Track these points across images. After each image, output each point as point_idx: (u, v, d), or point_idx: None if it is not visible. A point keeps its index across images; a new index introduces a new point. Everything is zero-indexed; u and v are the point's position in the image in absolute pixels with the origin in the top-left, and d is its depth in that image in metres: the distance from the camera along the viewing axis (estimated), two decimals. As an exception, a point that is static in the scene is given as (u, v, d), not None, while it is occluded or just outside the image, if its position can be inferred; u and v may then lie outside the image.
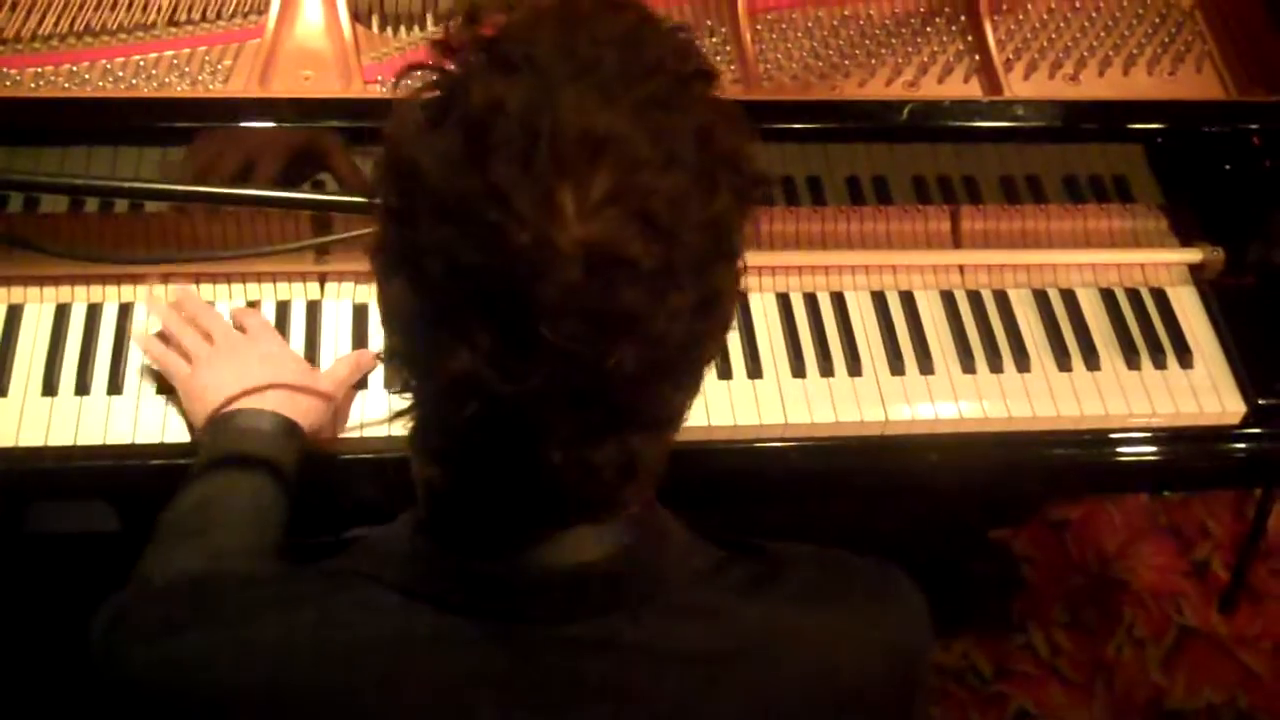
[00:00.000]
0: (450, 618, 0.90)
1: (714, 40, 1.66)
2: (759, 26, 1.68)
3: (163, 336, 1.47)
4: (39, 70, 1.55)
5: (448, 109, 0.82)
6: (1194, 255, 1.69)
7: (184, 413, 1.43)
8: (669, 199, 0.79)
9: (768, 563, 0.99)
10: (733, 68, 1.64)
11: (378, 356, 1.49)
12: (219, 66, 1.56)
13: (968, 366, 1.61)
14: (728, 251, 0.85)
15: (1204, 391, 1.62)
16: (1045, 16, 1.73)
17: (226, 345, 1.43)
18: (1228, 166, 1.67)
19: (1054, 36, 1.71)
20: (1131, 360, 1.62)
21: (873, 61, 1.66)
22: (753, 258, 1.56)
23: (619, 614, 0.91)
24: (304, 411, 1.38)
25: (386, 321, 0.88)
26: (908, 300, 1.66)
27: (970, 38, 1.69)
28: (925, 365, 1.60)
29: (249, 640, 0.93)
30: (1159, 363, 1.63)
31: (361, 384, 1.50)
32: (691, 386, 0.89)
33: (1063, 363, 1.62)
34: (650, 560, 0.94)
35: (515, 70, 0.81)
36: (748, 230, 0.87)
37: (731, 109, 0.87)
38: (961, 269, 1.68)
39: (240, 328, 1.47)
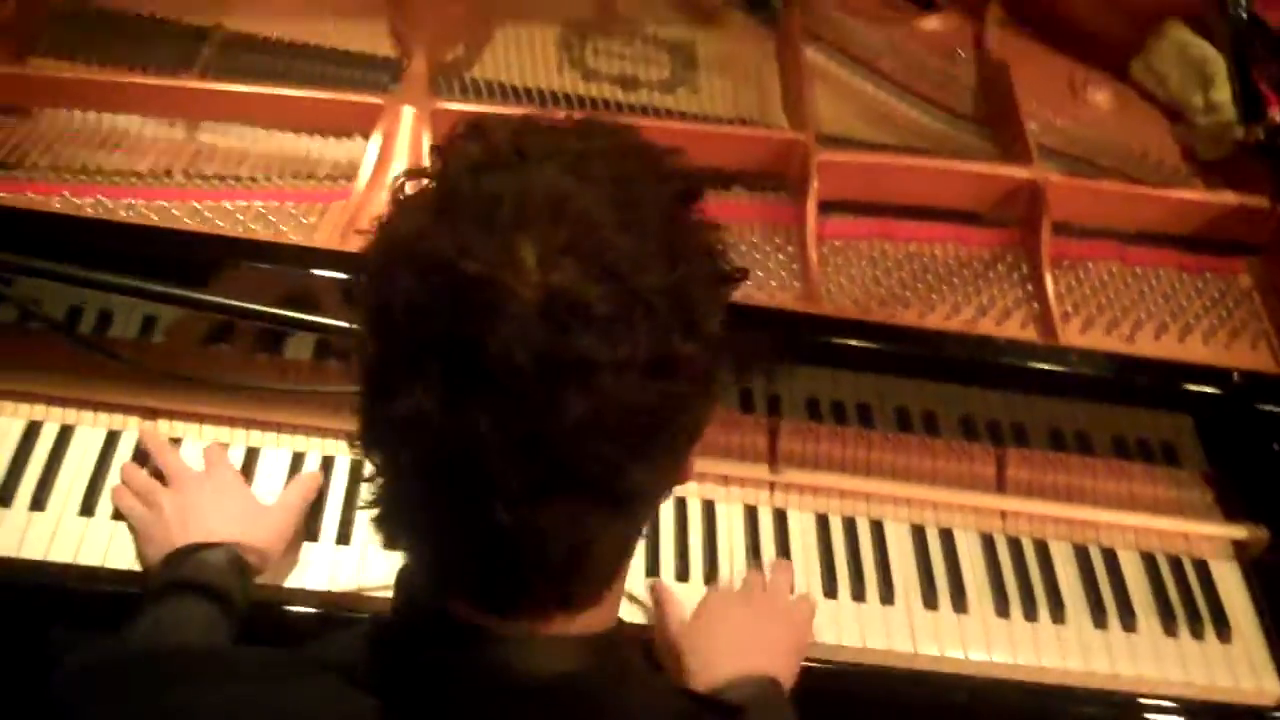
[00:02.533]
0: (390, 713, 0.91)
1: (781, 258, 1.74)
2: (825, 250, 1.76)
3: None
4: (131, 202, 1.65)
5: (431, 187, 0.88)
6: (1238, 532, 1.71)
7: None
8: (628, 256, 0.82)
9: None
10: (796, 284, 1.71)
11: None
12: (304, 221, 1.65)
13: (1002, 610, 1.62)
14: (693, 325, 0.85)
15: (1241, 668, 1.61)
16: (1106, 277, 1.80)
17: (182, 485, 1.52)
18: (1277, 446, 1.70)
19: (1112, 296, 1.77)
20: (1169, 627, 1.62)
21: (933, 296, 1.73)
22: (795, 476, 1.66)
23: None
24: (256, 542, 1.45)
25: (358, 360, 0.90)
26: (946, 537, 1.68)
27: (1030, 287, 1.75)
28: (959, 603, 1.61)
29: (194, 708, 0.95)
30: (1197, 633, 1.63)
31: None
32: (652, 467, 0.87)
33: (1099, 619, 1.63)
34: (609, 689, 0.94)
35: (495, 152, 0.86)
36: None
37: (702, 209, 0.91)
38: (1004, 514, 1.70)
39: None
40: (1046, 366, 1.63)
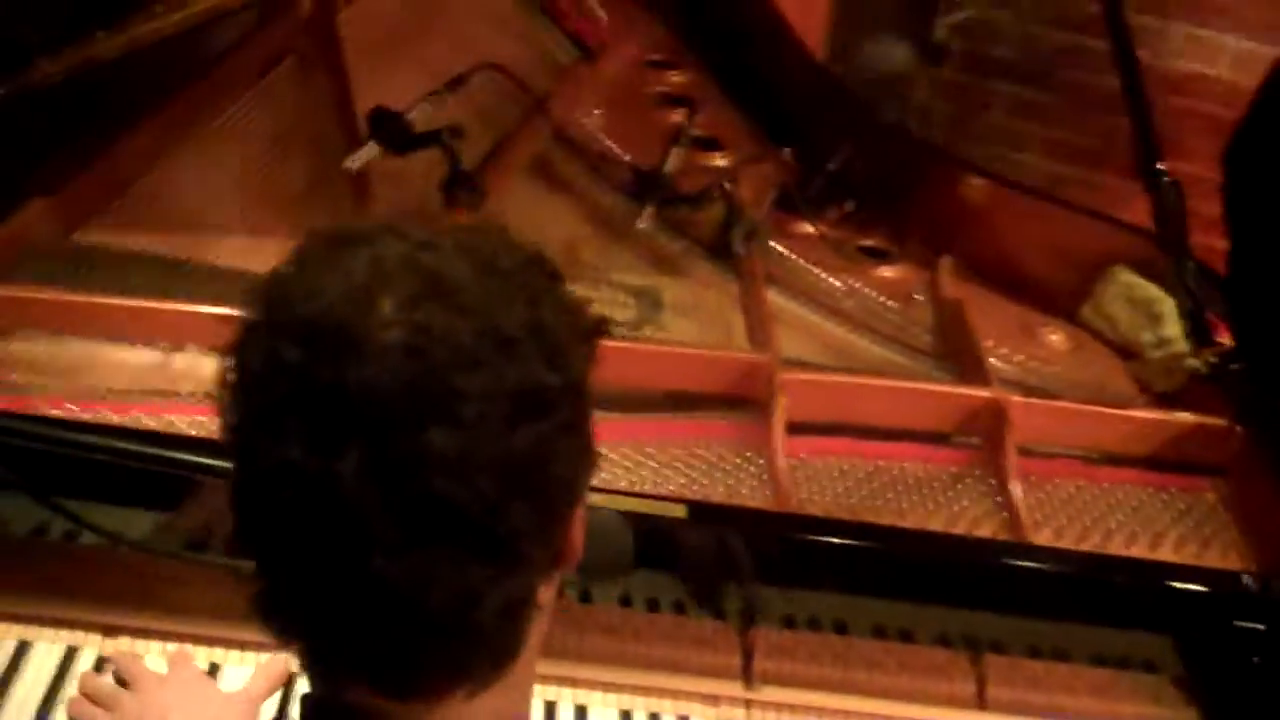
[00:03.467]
0: None
1: (752, 470, 1.77)
2: (794, 465, 1.78)
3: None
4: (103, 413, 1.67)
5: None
6: (1229, 757, 1.68)
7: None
8: (486, 298, 0.83)
9: None
10: (767, 493, 1.72)
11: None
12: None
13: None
14: (557, 361, 0.85)
15: None
16: (1073, 491, 1.83)
17: (144, 687, 1.48)
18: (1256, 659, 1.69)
19: (1081, 508, 1.80)
20: None
21: (903, 506, 1.75)
22: (770, 693, 1.63)
23: None
24: None
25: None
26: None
27: (999, 498, 1.78)
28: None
29: None
30: None
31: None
32: (530, 513, 0.85)
33: None
34: None
35: (350, 232, 0.88)
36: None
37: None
38: (982, 731, 1.67)
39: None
40: (1017, 564, 1.64)
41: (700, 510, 1.62)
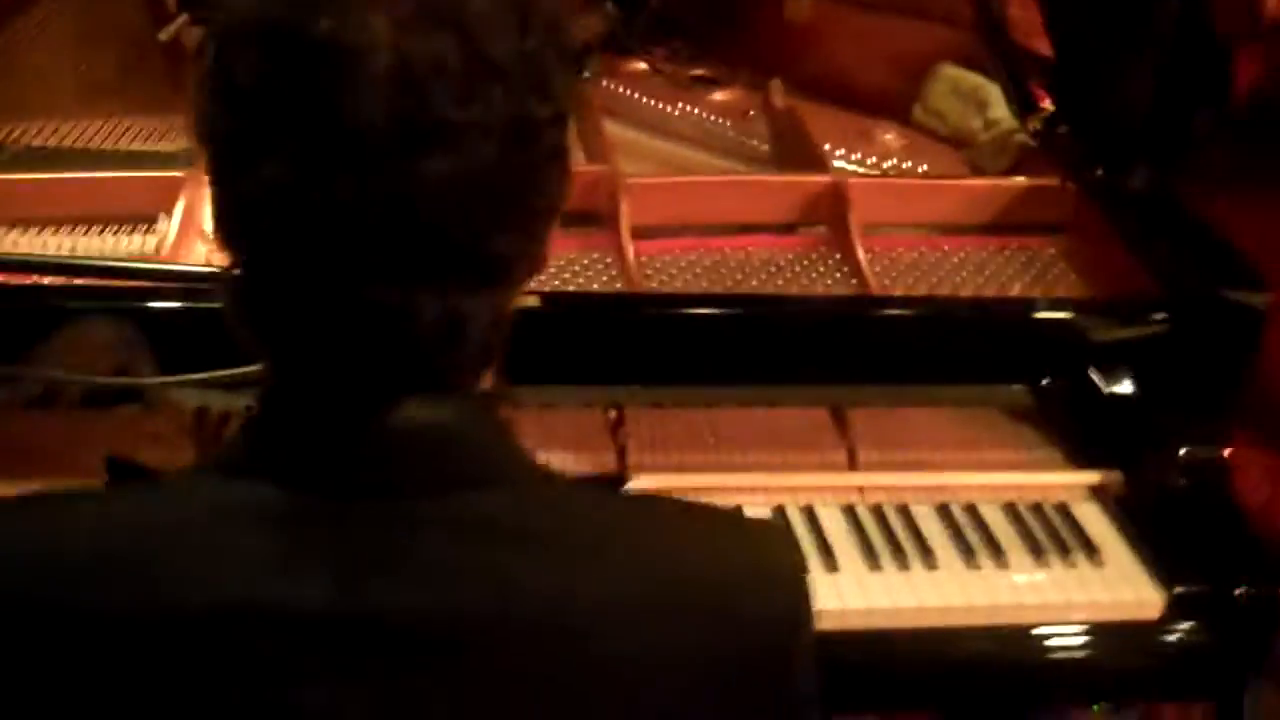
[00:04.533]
0: (273, 490, 0.86)
1: (601, 269, 1.79)
2: (644, 263, 1.81)
3: None
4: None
5: None
6: (1093, 477, 1.74)
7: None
8: (481, 21, 0.83)
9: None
10: (618, 285, 1.75)
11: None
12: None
13: (874, 565, 1.60)
14: (547, 91, 0.86)
15: (1118, 584, 1.61)
16: (918, 256, 1.88)
17: None
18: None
19: (926, 270, 1.85)
20: (1041, 560, 1.62)
21: (753, 285, 1.80)
22: (646, 481, 1.65)
23: (461, 491, 0.88)
24: None
25: (201, 146, 0.89)
26: (808, 512, 1.67)
27: (846, 270, 1.83)
28: (829, 563, 1.59)
29: (69, 523, 0.89)
30: (1069, 561, 1.63)
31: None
32: (515, 237, 0.87)
33: (970, 561, 1.62)
34: (494, 443, 0.92)
35: None
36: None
37: None
38: (861, 489, 1.71)
39: None
40: (877, 313, 1.69)
41: (552, 299, 1.65)
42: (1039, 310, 1.77)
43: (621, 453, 1.69)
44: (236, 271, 0.88)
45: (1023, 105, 2.01)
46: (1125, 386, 1.74)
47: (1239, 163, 2.07)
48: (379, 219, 0.81)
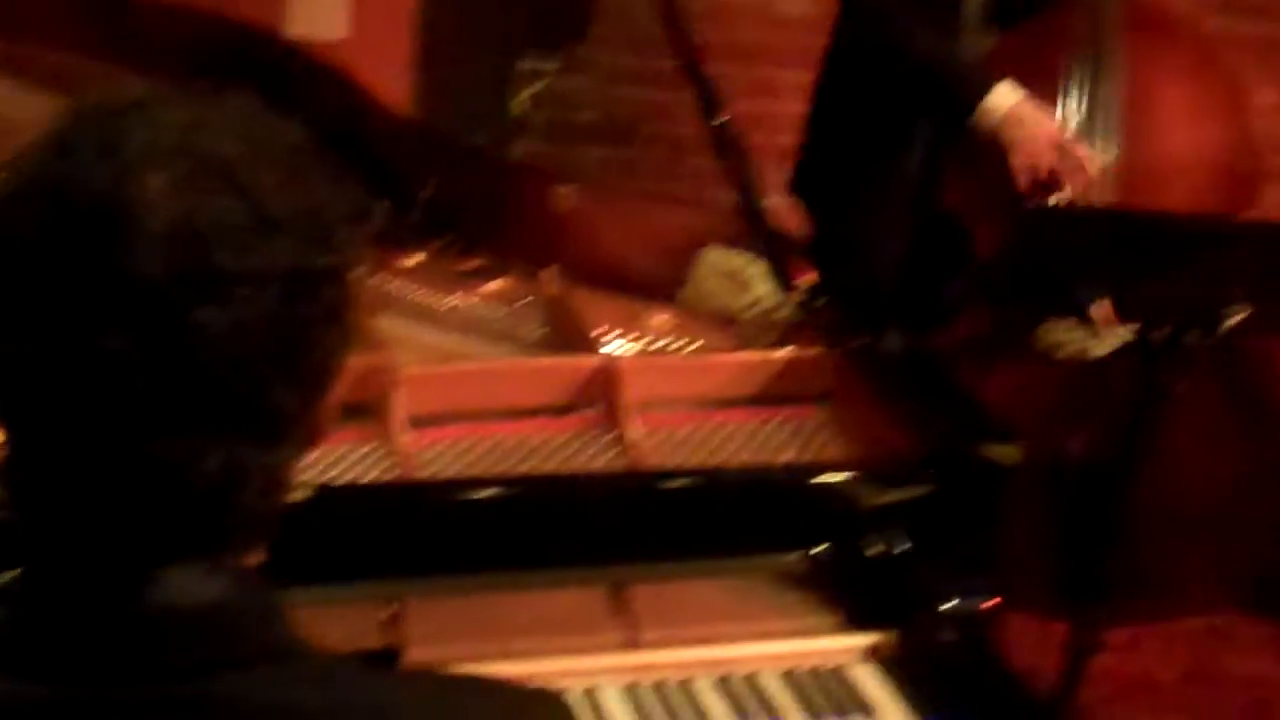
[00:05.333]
0: (33, 687, 0.84)
1: (376, 457, 1.81)
2: (419, 448, 1.83)
3: None
4: None
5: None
6: (868, 639, 1.78)
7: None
8: (259, 181, 0.87)
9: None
10: (394, 475, 1.76)
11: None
12: None
13: None
14: (328, 244, 0.89)
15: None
16: (689, 432, 1.94)
17: None
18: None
19: (697, 445, 1.92)
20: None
21: (525, 469, 1.84)
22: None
23: (226, 672, 0.87)
24: None
25: None
26: (590, 695, 1.66)
27: (619, 448, 1.88)
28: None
29: None
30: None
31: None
32: (294, 392, 0.88)
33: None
34: (261, 620, 0.91)
35: (123, 98, 0.90)
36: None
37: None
38: (643, 668, 1.70)
39: None
40: (647, 486, 1.73)
41: (325, 490, 1.64)
42: (808, 477, 1.83)
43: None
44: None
45: (784, 281, 2.11)
46: (894, 546, 1.80)
47: (987, 324, 2.20)
48: (159, 370, 0.82)
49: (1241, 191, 2.50)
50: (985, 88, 2.36)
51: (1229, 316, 1.96)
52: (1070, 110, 2.44)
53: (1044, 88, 2.43)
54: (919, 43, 2.45)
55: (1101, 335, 1.98)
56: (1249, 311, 1.97)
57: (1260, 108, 2.60)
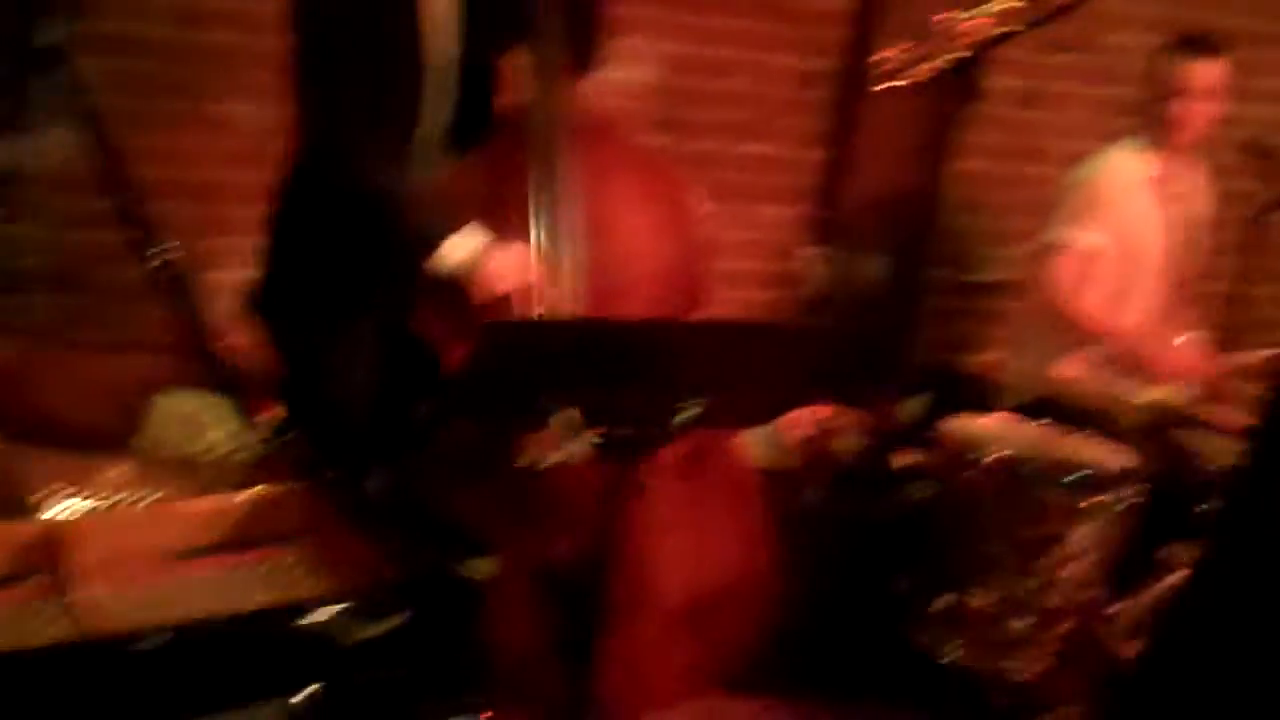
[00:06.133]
0: None
1: None
2: None
3: None
4: None
5: None
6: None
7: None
8: None
9: None
10: None
11: None
12: None
13: None
14: None
15: None
16: (155, 585, 1.82)
17: None
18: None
19: (168, 599, 1.81)
20: None
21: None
22: None
23: None
24: None
25: None
26: None
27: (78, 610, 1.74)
28: None
29: None
30: None
31: None
32: None
33: None
34: None
35: None
36: None
37: None
38: None
39: None
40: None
41: None
42: (286, 619, 1.77)
43: None
44: None
45: (245, 420, 2.04)
46: (383, 676, 1.77)
47: (463, 441, 2.21)
48: None
49: (692, 296, 2.65)
50: (443, 233, 2.38)
51: (685, 413, 2.05)
52: (531, 234, 2.50)
53: (502, 213, 2.49)
54: (376, 182, 2.43)
55: (572, 442, 2.02)
56: (703, 407, 2.07)
57: (703, 216, 2.76)
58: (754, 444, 3.17)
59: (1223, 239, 3.81)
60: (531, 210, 2.48)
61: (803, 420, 3.62)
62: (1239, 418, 3.06)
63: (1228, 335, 3.72)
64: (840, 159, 4.17)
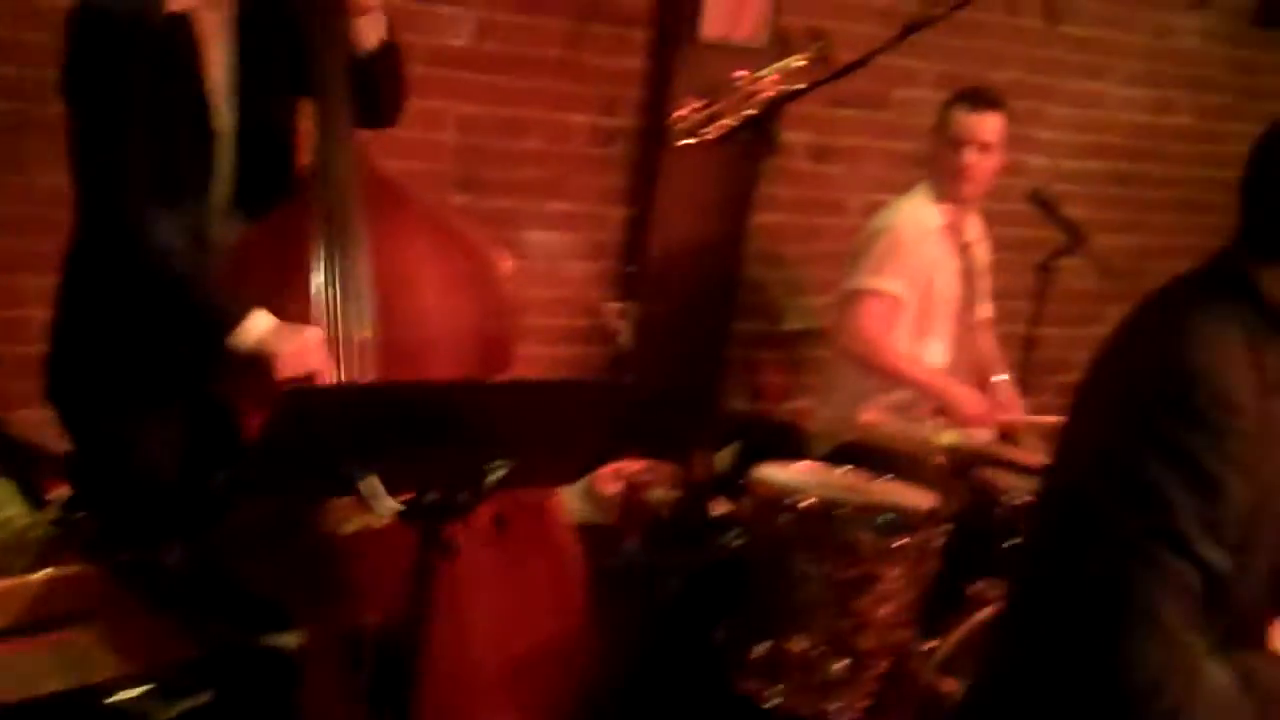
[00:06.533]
0: None
1: None
2: None
3: None
4: None
5: None
6: None
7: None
8: None
9: None
10: None
11: None
12: None
13: None
14: None
15: None
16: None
17: None
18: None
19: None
20: None
21: None
22: None
23: None
24: None
25: None
26: None
27: None
28: None
29: None
30: None
31: None
32: None
33: None
34: None
35: None
36: None
37: None
38: None
39: None
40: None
41: None
42: (84, 703, 1.71)
43: None
44: None
45: (35, 499, 1.98)
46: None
47: (266, 511, 2.17)
48: None
49: (497, 354, 2.64)
50: (238, 317, 2.33)
51: (493, 473, 2.05)
52: (324, 299, 2.46)
53: (294, 278, 2.45)
54: (170, 263, 2.37)
55: (376, 508, 1.99)
56: (511, 467, 2.06)
57: (504, 274, 2.76)
58: (570, 500, 3.18)
59: (1014, 284, 3.97)
60: (322, 271, 2.45)
61: (616, 474, 3.64)
62: (1037, 457, 3.18)
63: (1025, 376, 3.87)
64: (642, 214, 4.22)
